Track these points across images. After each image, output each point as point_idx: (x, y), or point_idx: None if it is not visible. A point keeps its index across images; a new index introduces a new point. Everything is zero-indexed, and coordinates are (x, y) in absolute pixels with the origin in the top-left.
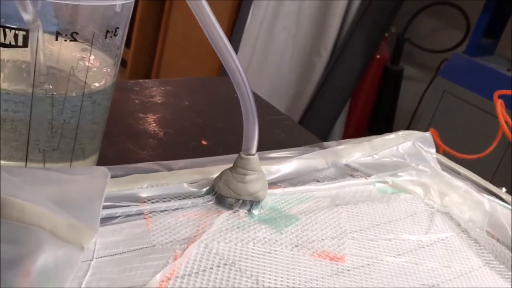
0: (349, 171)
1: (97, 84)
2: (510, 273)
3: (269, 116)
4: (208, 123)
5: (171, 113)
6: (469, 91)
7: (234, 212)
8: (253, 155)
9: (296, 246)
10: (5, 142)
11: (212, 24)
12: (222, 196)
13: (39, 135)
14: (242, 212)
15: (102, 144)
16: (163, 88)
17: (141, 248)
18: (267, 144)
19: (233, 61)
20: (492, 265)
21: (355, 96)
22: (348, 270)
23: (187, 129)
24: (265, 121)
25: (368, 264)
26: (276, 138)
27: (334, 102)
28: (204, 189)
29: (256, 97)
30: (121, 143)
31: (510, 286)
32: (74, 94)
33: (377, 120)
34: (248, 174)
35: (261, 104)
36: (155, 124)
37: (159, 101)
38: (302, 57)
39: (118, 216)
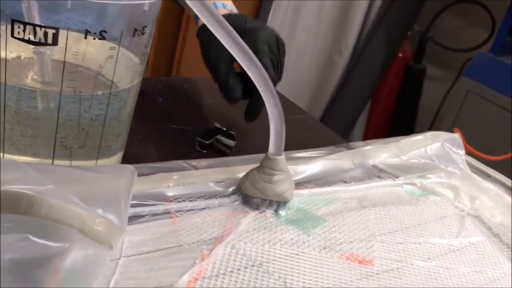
0: (376, 172)
1: (124, 83)
2: None
3: (292, 115)
4: (233, 122)
5: (195, 111)
6: (494, 91)
7: (260, 213)
8: (281, 155)
9: (324, 248)
10: (33, 139)
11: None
12: (249, 196)
13: (67, 132)
14: (269, 212)
15: (126, 143)
16: (186, 86)
17: (168, 247)
18: (291, 142)
19: (251, 58)
20: None
21: (377, 95)
22: (378, 274)
23: (211, 127)
24: (288, 120)
25: (398, 268)
26: (300, 137)
27: (355, 101)
28: (230, 189)
29: (279, 96)
30: (145, 142)
31: None
32: (100, 92)
33: (399, 119)
34: (276, 175)
35: (284, 103)
36: (179, 122)
37: (182, 99)
38: (323, 56)
39: (145, 215)
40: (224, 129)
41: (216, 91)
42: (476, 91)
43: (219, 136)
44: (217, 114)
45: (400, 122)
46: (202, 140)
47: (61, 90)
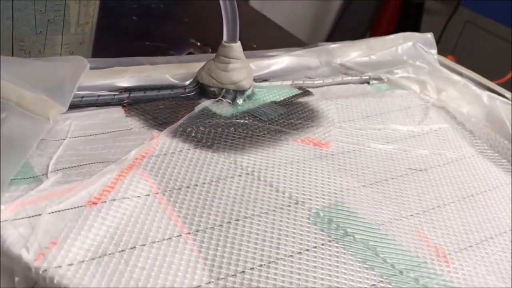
0: (344, 70)
1: None
2: (504, 160)
3: (271, 33)
4: (208, 38)
5: (170, 29)
6: (493, 21)
7: (217, 101)
8: (236, 42)
9: (279, 132)
10: None
11: None
12: (205, 86)
13: (23, 35)
14: (226, 101)
15: (94, 55)
16: (162, 6)
17: (117, 130)
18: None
19: None
20: (486, 154)
21: (374, 31)
22: (332, 155)
23: (186, 42)
24: (268, 36)
25: (354, 150)
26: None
27: (353, 37)
28: (187, 82)
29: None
30: (117, 57)
31: (502, 172)
32: None
33: None
34: (231, 63)
35: (267, 23)
36: (153, 39)
37: (157, 18)
38: None
39: (96, 104)
40: (199, 43)
41: (191, 9)
42: (475, 22)
43: (193, 50)
44: (192, 31)
45: None
46: (176, 55)
47: None
